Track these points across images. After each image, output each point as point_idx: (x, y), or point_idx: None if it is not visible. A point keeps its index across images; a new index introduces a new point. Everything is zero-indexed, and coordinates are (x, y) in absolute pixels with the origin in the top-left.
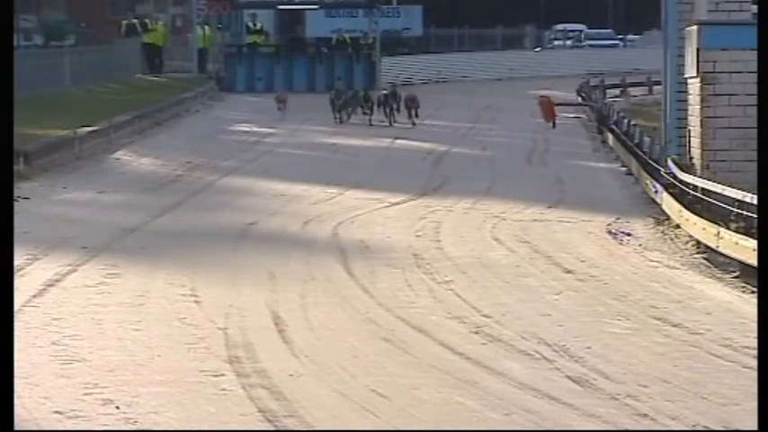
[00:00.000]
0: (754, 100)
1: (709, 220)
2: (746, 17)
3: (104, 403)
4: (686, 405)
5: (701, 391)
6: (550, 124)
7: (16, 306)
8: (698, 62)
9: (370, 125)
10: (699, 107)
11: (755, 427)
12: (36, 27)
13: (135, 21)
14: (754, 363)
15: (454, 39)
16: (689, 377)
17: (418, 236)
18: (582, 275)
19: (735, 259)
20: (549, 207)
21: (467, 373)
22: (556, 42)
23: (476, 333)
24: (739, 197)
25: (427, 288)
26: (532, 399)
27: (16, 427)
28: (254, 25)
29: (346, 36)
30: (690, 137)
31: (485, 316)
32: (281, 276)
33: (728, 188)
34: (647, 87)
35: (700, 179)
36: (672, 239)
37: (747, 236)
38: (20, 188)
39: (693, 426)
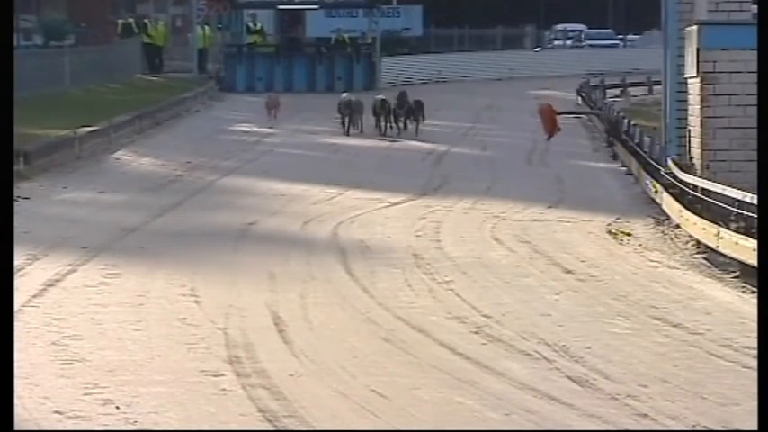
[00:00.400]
0: (754, 100)
1: (710, 220)
2: (746, 17)
3: (104, 403)
4: (686, 405)
5: (700, 391)
6: (548, 136)
7: (16, 306)
8: (698, 62)
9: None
10: (699, 107)
11: (755, 427)
12: (36, 27)
13: (131, 21)
14: (754, 363)
15: (454, 39)
16: (689, 377)
17: (418, 236)
18: (582, 275)
19: (735, 259)
20: (549, 207)
21: (467, 373)
22: (556, 42)
23: (476, 333)
24: (739, 197)
25: (427, 288)
26: (532, 399)
27: (16, 427)
28: (254, 25)
29: (345, 36)
30: (690, 137)
31: (485, 316)
32: (281, 276)
33: (728, 188)
34: (647, 87)
35: (700, 179)
36: (672, 239)
37: (747, 236)
38: (20, 188)
39: (693, 426)
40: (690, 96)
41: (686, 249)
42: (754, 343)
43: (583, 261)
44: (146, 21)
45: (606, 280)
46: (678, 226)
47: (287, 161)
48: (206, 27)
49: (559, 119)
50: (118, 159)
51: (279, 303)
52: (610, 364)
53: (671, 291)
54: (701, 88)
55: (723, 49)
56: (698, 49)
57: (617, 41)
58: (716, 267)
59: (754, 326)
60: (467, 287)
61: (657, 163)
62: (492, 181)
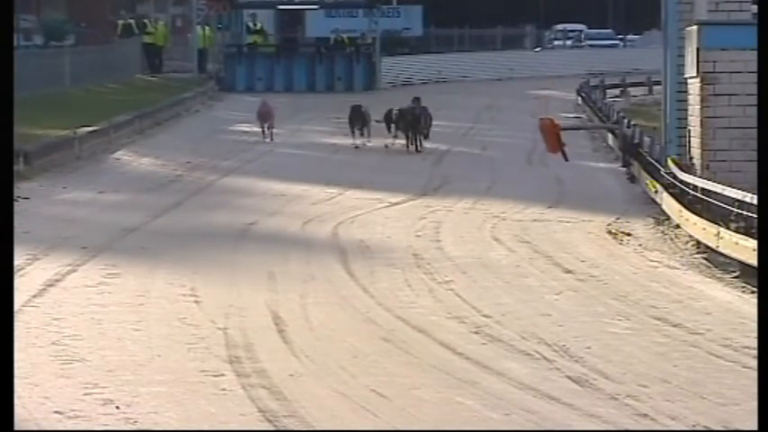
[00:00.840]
0: (754, 100)
1: (710, 220)
2: (746, 17)
3: (104, 403)
4: (686, 405)
5: (700, 391)
6: (559, 154)
7: (16, 306)
8: (698, 62)
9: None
10: (699, 107)
11: (755, 427)
12: (36, 27)
13: (131, 21)
14: (754, 363)
15: (454, 39)
16: (689, 377)
17: (418, 236)
18: (582, 275)
19: (735, 259)
20: (549, 207)
21: (467, 373)
22: (556, 42)
23: (476, 333)
24: (739, 197)
25: (427, 288)
26: (532, 399)
27: (16, 427)
28: (254, 25)
29: (344, 36)
30: (690, 137)
31: (485, 316)
32: (281, 276)
33: (728, 188)
34: (647, 87)
35: (700, 179)
36: (672, 239)
37: (747, 236)
38: (20, 188)
39: (693, 426)
40: (690, 96)
41: (686, 249)
42: (754, 343)
43: (583, 261)
44: (146, 21)
45: (606, 280)
46: (678, 226)
47: (287, 161)
48: (206, 27)
49: (564, 133)
50: (118, 159)
51: (279, 303)
52: (610, 364)
53: (671, 291)
54: (701, 88)
55: (723, 49)
56: (698, 49)
57: (617, 41)
58: (716, 267)
59: (754, 326)
60: (467, 287)
61: (658, 163)
62: (492, 181)
